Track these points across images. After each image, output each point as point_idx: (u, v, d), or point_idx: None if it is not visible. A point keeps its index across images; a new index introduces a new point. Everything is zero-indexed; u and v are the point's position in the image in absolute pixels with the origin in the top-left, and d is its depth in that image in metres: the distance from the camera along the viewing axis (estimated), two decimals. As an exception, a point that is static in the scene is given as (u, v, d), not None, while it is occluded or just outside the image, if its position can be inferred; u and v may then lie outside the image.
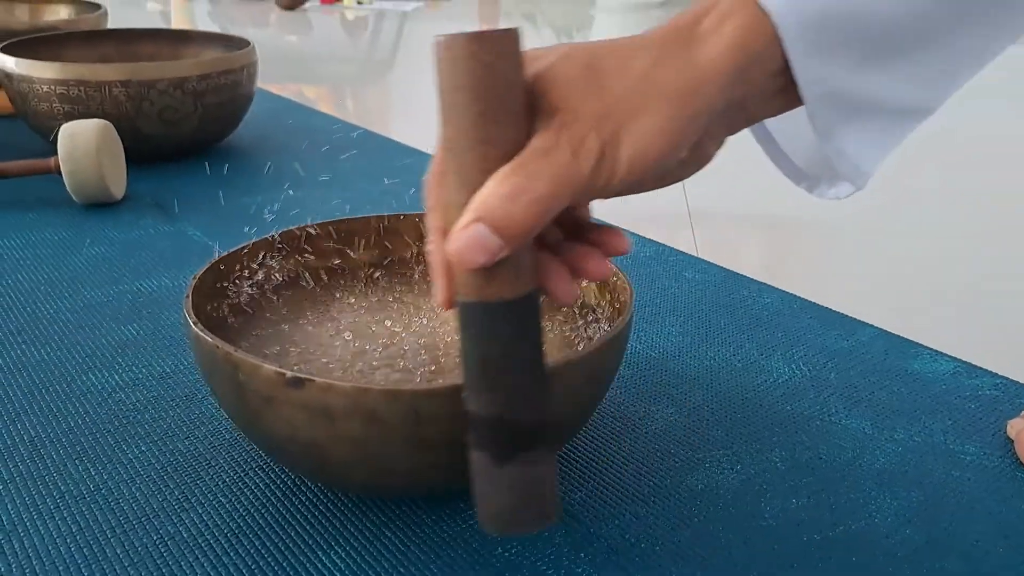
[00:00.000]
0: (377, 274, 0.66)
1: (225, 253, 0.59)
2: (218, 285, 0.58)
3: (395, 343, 0.61)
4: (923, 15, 0.40)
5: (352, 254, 0.65)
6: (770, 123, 0.47)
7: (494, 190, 0.37)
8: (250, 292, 0.61)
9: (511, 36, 0.37)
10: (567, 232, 0.44)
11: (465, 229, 0.38)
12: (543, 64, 0.39)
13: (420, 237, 0.65)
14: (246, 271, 0.61)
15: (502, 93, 0.37)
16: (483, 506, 0.41)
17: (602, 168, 0.38)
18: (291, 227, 0.63)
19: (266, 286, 0.62)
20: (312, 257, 0.64)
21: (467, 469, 0.43)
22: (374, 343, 0.61)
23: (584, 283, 0.60)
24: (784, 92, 0.41)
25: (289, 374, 0.44)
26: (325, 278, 0.65)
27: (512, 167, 0.38)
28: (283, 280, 0.63)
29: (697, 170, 0.44)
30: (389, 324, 0.63)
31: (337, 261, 0.65)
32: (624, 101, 0.38)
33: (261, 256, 0.62)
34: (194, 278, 0.54)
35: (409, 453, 0.45)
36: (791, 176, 0.48)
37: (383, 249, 0.66)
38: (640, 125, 0.38)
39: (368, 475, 0.47)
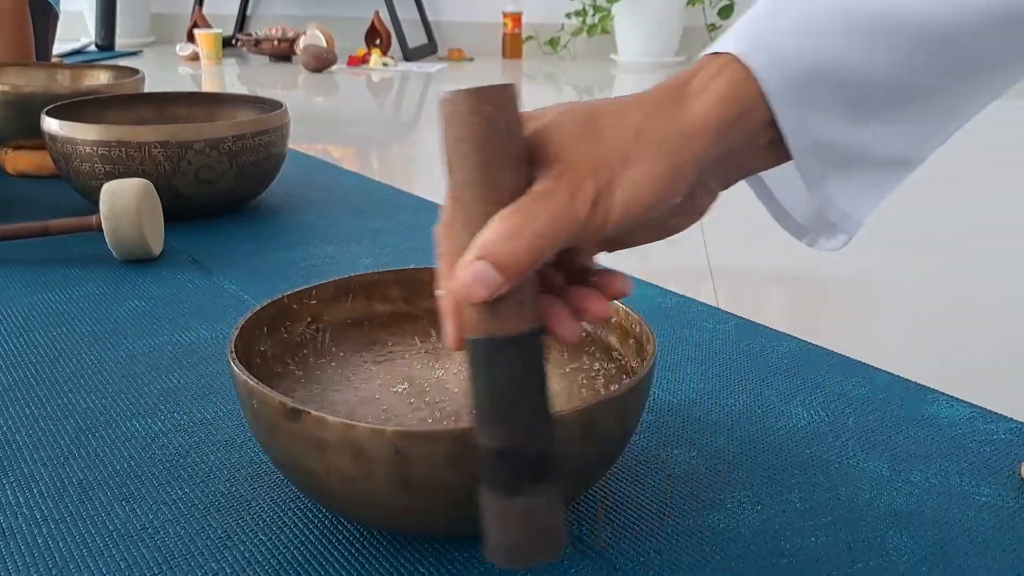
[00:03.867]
0: (435, 324, 0.68)
1: (281, 296, 0.62)
2: (278, 328, 0.62)
3: (444, 389, 0.64)
4: (901, 78, 0.43)
5: (414, 302, 0.69)
6: (770, 182, 0.50)
7: (495, 229, 0.40)
8: (307, 335, 0.64)
9: (507, 90, 0.41)
10: (571, 277, 0.47)
11: (468, 266, 0.40)
12: (544, 119, 0.43)
13: None
14: (302, 315, 0.64)
15: (501, 142, 0.41)
16: (493, 538, 0.42)
17: (597, 211, 0.41)
18: (350, 274, 0.67)
19: (324, 330, 0.65)
20: (368, 304, 0.67)
21: (455, 514, 0.48)
22: (424, 388, 0.64)
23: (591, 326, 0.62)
24: (773, 145, 0.45)
25: (289, 405, 0.47)
26: (384, 324, 0.68)
27: (512, 208, 0.41)
28: (340, 325, 0.66)
29: (692, 222, 0.48)
30: (441, 372, 0.66)
31: (392, 309, 0.68)
32: (618, 151, 0.42)
33: (317, 301, 0.65)
34: (249, 313, 0.59)
35: (394, 491, 0.47)
36: (792, 231, 0.51)
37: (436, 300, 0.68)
38: (633, 173, 0.41)
39: (361, 508, 0.50)
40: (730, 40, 0.44)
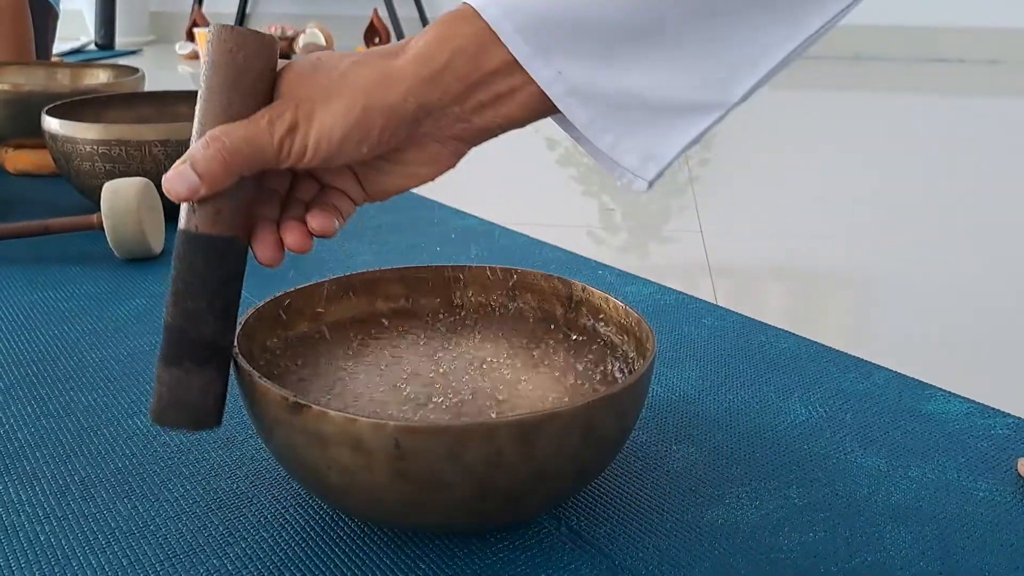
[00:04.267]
0: (438, 321, 0.69)
1: (284, 292, 0.62)
2: (281, 324, 0.63)
3: (446, 385, 0.64)
4: (649, 18, 0.46)
5: (417, 300, 0.69)
6: (584, 126, 0.50)
7: (201, 140, 0.48)
8: (310, 332, 0.65)
9: (260, 39, 0.48)
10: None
11: (176, 167, 0.48)
12: (288, 64, 0.50)
13: (484, 289, 0.68)
14: (305, 311, 0.65)
15: (238, 76, 0.48)
16: (153, 401, 0.50)
17: (294, 138, 0.47)
18: (360, 271, 0.67)
19: (326, 327, 0.66)
20: (370, 301, 0.68)
21: (454, 509, 0.49)
22: (426, 384, 0.64)
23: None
24: (522, 93, 0.48)
25: (290, 400, 0.47)
26: (387, 321, 0.68)
27: (221, 127, 0.47)
28: (342, 322, 0.67)
29: (438, 172, 0.52)
30: (443, 368, 0.66)
31: (394, 307, 0.68)
32: (323, 90, 0.47)
33: (326, 295, 0.66)
34: (252, 309, 0.59)
35: (393, 484, 0.48)
36: (611, 171, 0.51)
37: (446, 297, 0.69)
38: (328, 108, 0.47)
39: (361, 502, 0.51)
40: None
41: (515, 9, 0.46)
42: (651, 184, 0.50)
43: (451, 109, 0.48)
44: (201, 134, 0.48)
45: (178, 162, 0.48)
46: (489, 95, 0.48)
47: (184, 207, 0.49)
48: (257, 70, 0.48)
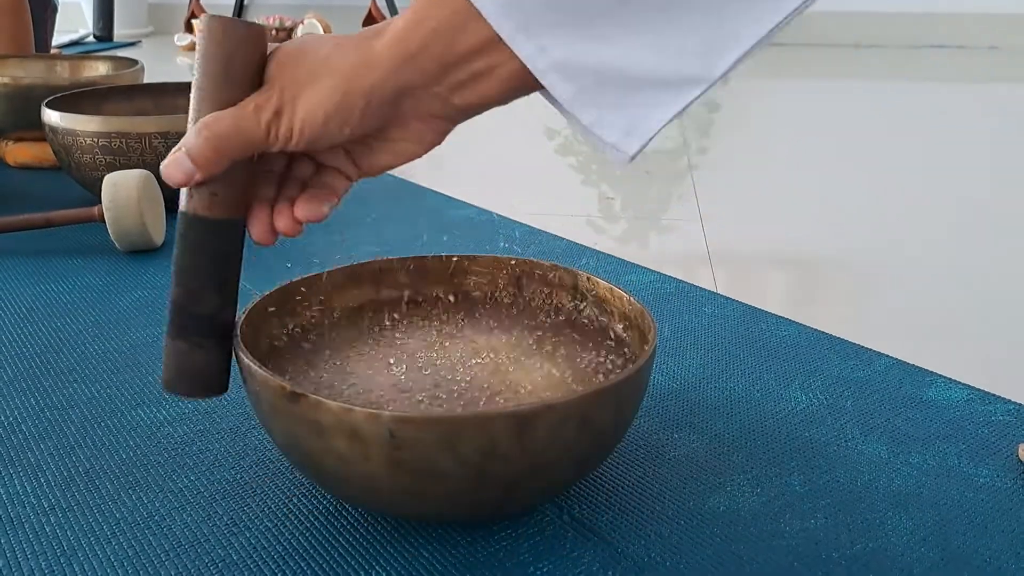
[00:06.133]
0: (444, 310, 0.69)
1: (289, 281, 0.63)
2: (286, 313, 0.63)
3: (449, 375, 0.65)
4: None
5: (422, 289, 0.69)
6: (568, 101, 0.48)
7: (193, 128, 0.49)
8: (315, 321, 0.65)
9: (247, 27, 0.50)
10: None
11: (173, 154, 0.49)
12: (276, 48, 0.50)
13: (490, 278, 0.69)
14: (311, 301, 0.65)
15: (228, 65, 0.49)
16: (163, 371, 0.53)
17: (280, 123, 0.49)
18: (364, 260, 0.67)
19: (332, 316, 0.66)
20: (376, 291, 0.68)
21: (450, 498, 0.49)
22: (429, 373, 0.65)
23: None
24: (502, 70, 0.47)
25: (289, 389, 0.48)
26: (392, 311, 0.68)
27: (212, 115, 0.49)
28: (348, 311, 0.67)
29: (424, 149, 0.52)
30: (447, 357, 0.66)
31: (399, 296, 0.69)
32: (305, 75, 0.48)
33: (331, 285, 0.66)
34: (257, 298, 0.60)
35: (388, 473, 0.48)
36: (596, 146, 0.50)
37: (452, 287, 0.69)
38: (311, 93, 0.48)
39: (358, 490, 0.51)
40: None
41: None
42: (633, 158, 0.49)
43: (429, 89, 0.48)
44: (195, 122, 0.49)
45: (174, 149, 0.49)
46: (467, 74, 0.47)
47: (183, 191, 0.51)
48: (246, 59, 0.49)
